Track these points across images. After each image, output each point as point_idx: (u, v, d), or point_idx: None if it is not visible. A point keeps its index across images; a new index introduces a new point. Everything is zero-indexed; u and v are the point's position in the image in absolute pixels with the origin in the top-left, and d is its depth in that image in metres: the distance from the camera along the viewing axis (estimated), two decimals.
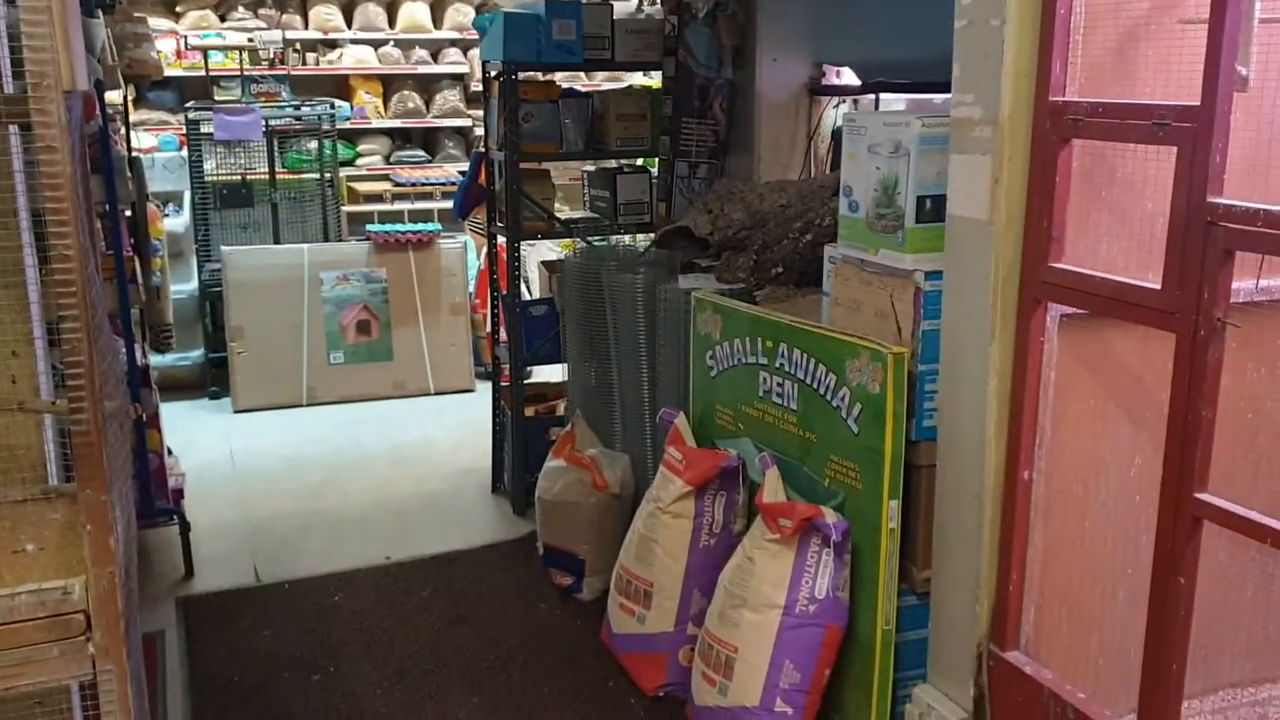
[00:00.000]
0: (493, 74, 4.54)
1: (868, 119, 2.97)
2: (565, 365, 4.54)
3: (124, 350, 3.52)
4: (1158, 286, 2.07)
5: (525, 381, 4.76)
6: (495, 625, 3.72)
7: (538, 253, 6.29)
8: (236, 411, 5.98)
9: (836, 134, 4.01)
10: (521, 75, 4.31)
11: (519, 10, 4.28)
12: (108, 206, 3.61)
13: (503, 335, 4.84)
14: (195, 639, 3.61)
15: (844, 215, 2.98)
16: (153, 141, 7.00)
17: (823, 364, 2.90)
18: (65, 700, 2.14)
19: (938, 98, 3.70)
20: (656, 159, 4.46)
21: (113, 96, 4.46)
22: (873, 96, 4.01)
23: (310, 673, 3.41)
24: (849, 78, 4.07)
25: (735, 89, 4.12)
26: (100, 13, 4.03)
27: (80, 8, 3.20)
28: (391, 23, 8.02)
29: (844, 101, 4.11)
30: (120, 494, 1.69)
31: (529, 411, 4.80)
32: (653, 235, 4.31)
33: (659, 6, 4.43)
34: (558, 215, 4.67)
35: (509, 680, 3.37)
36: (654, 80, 5.31)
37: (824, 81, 4.09)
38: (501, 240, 4.63)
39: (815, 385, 2.93)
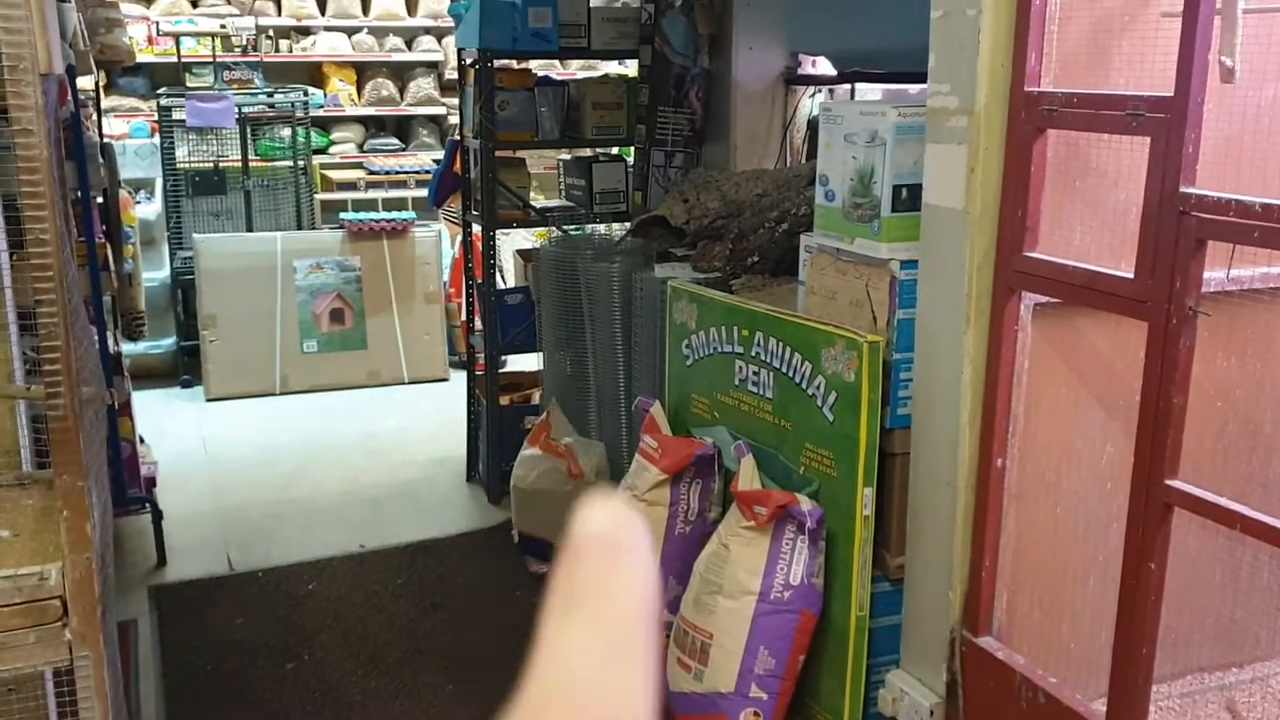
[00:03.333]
0: (468, 61, 4.52)
1: (844, 108, 2.98)
2: (540, 354, 4.54)
3: (97, 338, 3.49)
4: (1130, 275, 2.10)
5: (500, 370, 4.76)
6: (470, 612, 3.72)
7: (512, 241, 6.28)
8: (209, 400, 5.94)
9: (812, 123, 4.03)
10: (497, 63, 4.29)
11: None
12: (80, 193, 3.58)
13: (478, 324, 4.83)
14: (168, 627, 3.60)
15: (820, 204, 2.99)
16: (124, 128, 6.93)
17: (798, 352, 2.92)
18: (39, 687, 2.13)
19: (913, 88, 3.72)
20: (632, 148, 4.46)
21: (84, 82, 4.41)
22: (848, 86, 4.03)
23: (284, 661, 3.40)
24: (825, 67, 4.08)
25: (711, 78, 4.13)
26: None
27: None
28: (365, 10, 7.97)
29: (820, 91, 4.12)
30: (96, 480, 1.68)
31: (504, 400, 4.79)
32: (628, 224, 4.31)
33: None
34: (533, 204, 4.66)
35: (484, 667, 3.37)
36: (629, 69, 5.31)
37: (800, 71, 4.10)
38: (476, 229, 4.62)
39: (791, 374, 2.95)
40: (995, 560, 2.53)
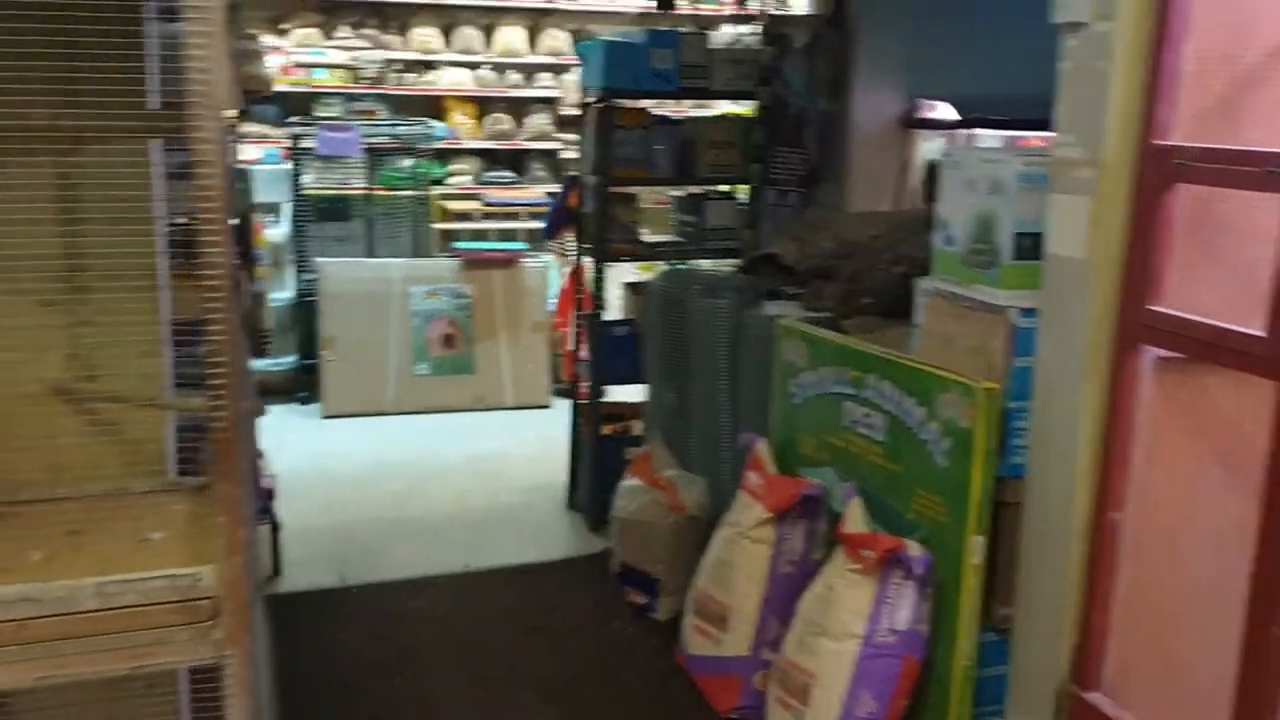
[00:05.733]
0: (590, 100, 4.64)
1: (966, 155, 3.00)
2: (644, 386, 4.60)
3: None
4: (1262, 334, 2.07)
5: (602, 400, 4.83)
6: (571, 639, 3.78)
7: (621, 274, 6.37)
8: (325, 417, 6.14)
9: (929, 168, 4.03)
10: (618, 101, 4.40)
11: (620, 39, 4.38)
12: None
13: (583, 354, 4.92)
14: (282, 636, 3.72)
15: (939, 249, 3.00)
16: (256, 154, 7.24)
17: (912, 396, 2.92)
18: (173, 685, 2.24)
19: (1034, 135, 3.71)
20: (746, 186, 4.52)
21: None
22: (967, 132, 4.03)
23: (392, 675, 3.50)
24: (945, 112, 4.09)
25: (829, 120, 4.17)
26: None
27: None
28: (488, 45, 8.20)
29: (937, 135, 4.13)
30: (245, 489, 1.78)
31: (605, 430, 4.86)
32: (738, 261, 4.36)
33: (757, 37, 4.49)
34: (644, 238, 4.74)
35: (584, 694, 3.42)
36: (745, 107, 5.38)
37: (918, 115, 4.12)
38: (587, 261, 4.71)
39: (903, 417, 2.95)
40: (1107, 615, 2.49)
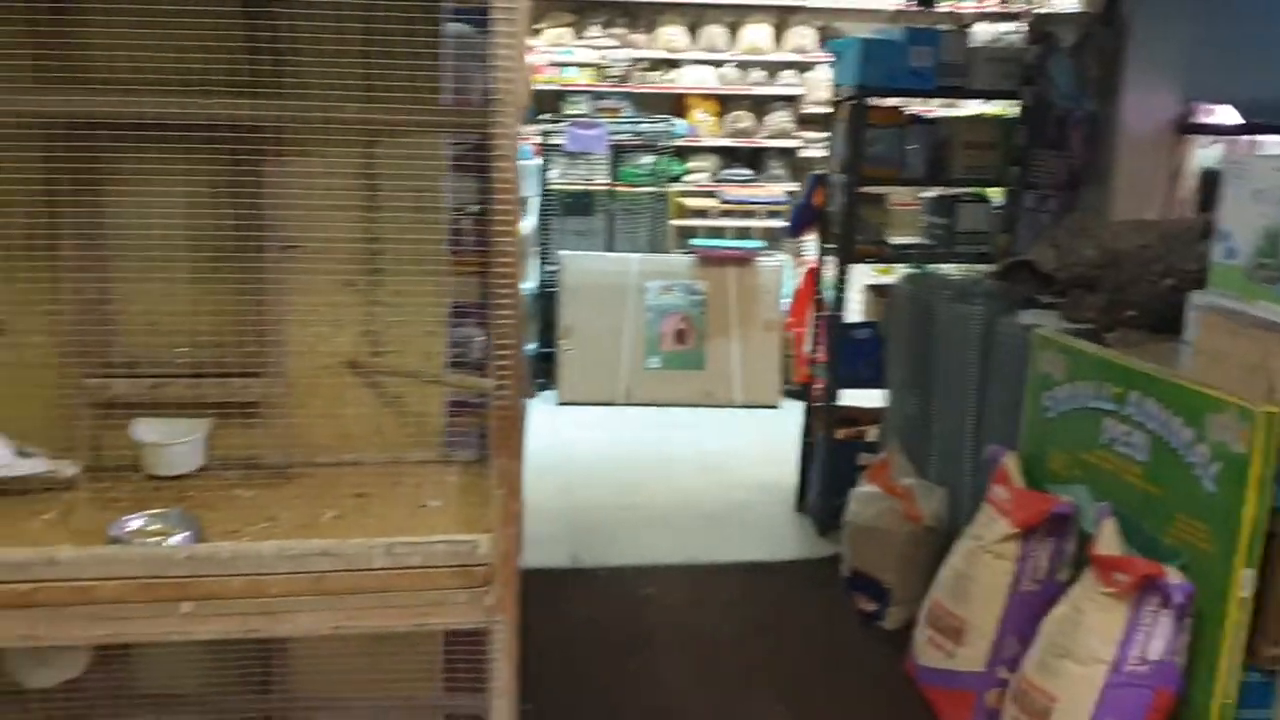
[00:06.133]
0: (841, 98, 4.61)
1: (1254, 163, 2.80)
2: (883, 391, 4.53)
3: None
4: None
5: (838, 404, 4.79)
6: (799, 640, 3.78)
7: (861, 276, 6.30)
8: (559, 403, 6.37)
9: (1205, 175, 3.80)
10: (871, 100, 4.36)
11: (878, 37, 4.33)
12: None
13: (820, 355, 4.90)
14: (522, 611, 3.89)
15: (1217, 262, 2.83)
16: None
17: (1179, 416, 2.77)
18: (434, 645, 2.39)
19: None
20: (1001, 189, 4.38)
21: None
22: (1251, 138, 3.77)
23: (624, 657, 3.60)
24: (1226, 116, 3.84)
25: (1095, 122, 3.98)
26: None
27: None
28: (732, 43, 8.26)
29: (1215, 141, 3.88)
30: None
31: (839, 434, 4.82)
32: (991, 267, 4.23)
33: (1020, 35, 4.35)
34: (890, 240, 4.67)
35: (813, 695, 3.42)
36: (1001, 107, 5.21)
37: (1195, 119, 3.88)
38: (829, 261, 4.69)
39: (1168, 438, 2.80)
40: None
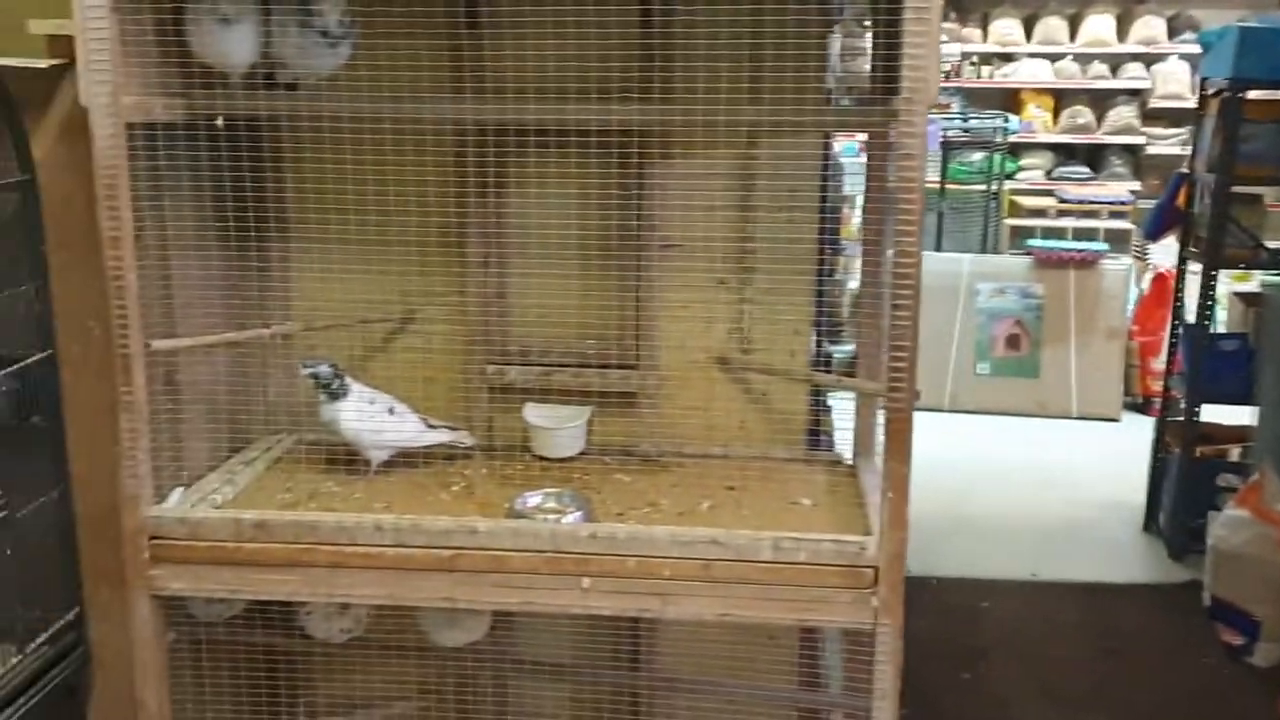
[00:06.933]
0: (1211, 91, 4.27)
1: None
2: (1252, 408, 4.17)
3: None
4: None
5: (1198, 419, 4.44)
6: (1151, 667, 3.54)
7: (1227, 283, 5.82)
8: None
9: None
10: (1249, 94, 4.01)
11: (1258, 25, 3.98)
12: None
13: (1177, 367, 4.57)
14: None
15: None
16: (835, 147, 7.53)
17: None
18: (793, 641, 2.42)
19: None
20: None
21: None
22: None
23: (958, 670, 3.51)
24: None
25: None
26: None
27: None
28: (1072, 36, 7.85)
29: None
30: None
31: (1198, 452, 4.47)
32: None
33: None
34: (1266, 244, 4.28)
35: None
36: None
37: None
38: (1194, 266, 4.35)
39: None
40: None
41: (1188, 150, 7.80)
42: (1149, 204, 7.37)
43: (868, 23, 2.30)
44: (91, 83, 1.78)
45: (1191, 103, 7.85)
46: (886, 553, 1.77)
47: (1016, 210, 7.51)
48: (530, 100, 2.14)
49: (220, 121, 2.16)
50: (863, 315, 2.36)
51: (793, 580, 1.81)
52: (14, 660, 2.05)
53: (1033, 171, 7.90)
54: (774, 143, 2.31)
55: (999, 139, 6.86)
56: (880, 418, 2.01)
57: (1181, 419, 4.41)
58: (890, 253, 2.52)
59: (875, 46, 2.20)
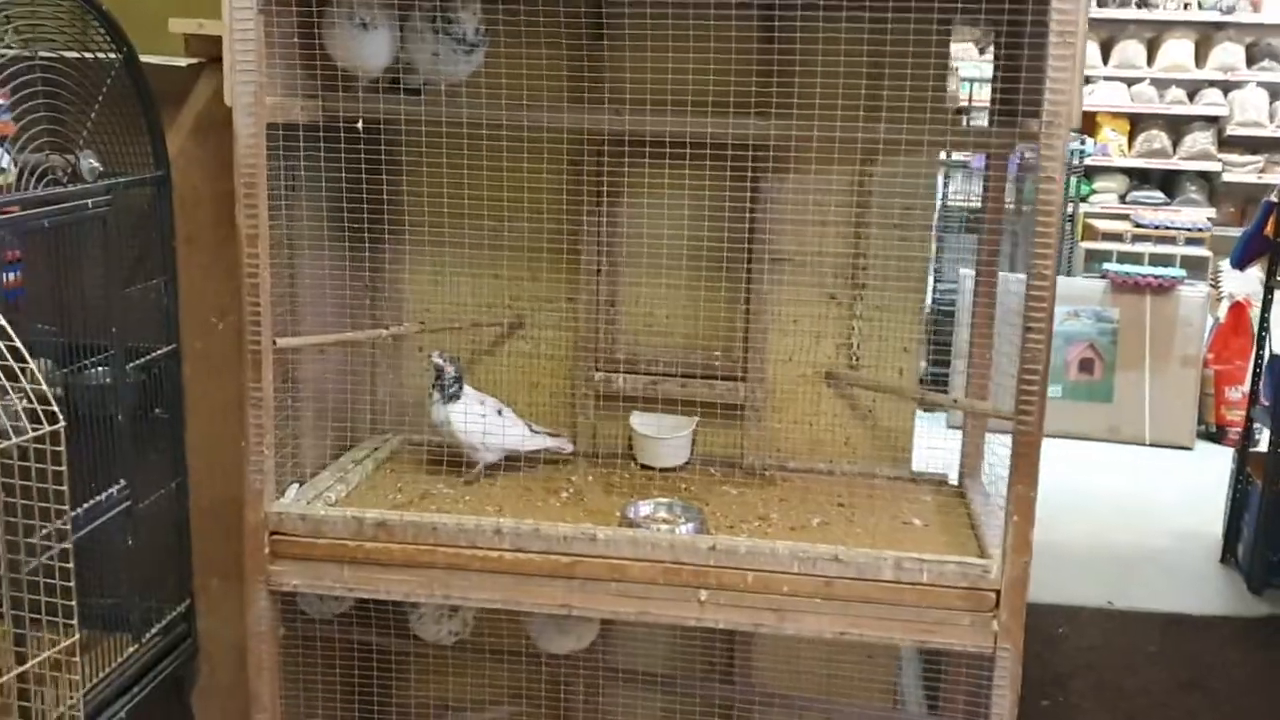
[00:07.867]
0: None
1: None
2: None
3: None
4: None
5: None
6: (1234, 701, 3.48)
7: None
8: (949, 426, 6.20)
9: None
10: None
11: None
12: None
13: (1261, 399, 4.49)
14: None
15: None
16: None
17: None
18: (893, 660, 2.41)
19: None
20: None
21: None
22: None
23: (1039, 697, 3.46)
24: None
25: None
26: None
27: None
28: (1150, 61, 7.74)
29: None
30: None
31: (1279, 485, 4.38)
32: None
33: None
34: None
35: None
36: None
37: None
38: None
39: None
40: None
41: (1264, 179, 7.70)
42: (1224, 231, 7.27)
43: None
44: (237, 83, 1.81)
45: (1269, 130, 7.75)
46: (1009, 577, 1.75)
47: (1091, 234, 7.41)
48: (649, 111, 2.15)
49: (360, 124, 2.18)
50: (976, 336, 2.34)
51: (914, 601, 1.80)
52: (130, 649, 2.09)
53: (1106, 195, 7.79)
54: (889, 160, 2.30)
55: (1074, 161, 6.77)
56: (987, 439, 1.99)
57: (1263, 450, 4.33)
58: (1003, 275, 2.51)
59: (996, 68, 2.19)
